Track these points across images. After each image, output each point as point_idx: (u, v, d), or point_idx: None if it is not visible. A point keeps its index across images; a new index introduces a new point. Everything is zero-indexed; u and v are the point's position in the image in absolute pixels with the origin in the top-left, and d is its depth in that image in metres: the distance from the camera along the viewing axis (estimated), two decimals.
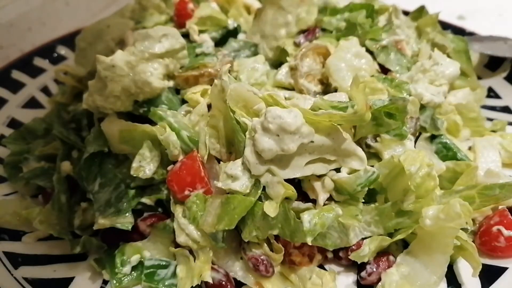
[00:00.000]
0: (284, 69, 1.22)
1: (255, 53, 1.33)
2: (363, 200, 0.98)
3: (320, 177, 0.97)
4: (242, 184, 0.94)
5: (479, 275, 0.93)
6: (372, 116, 0.93)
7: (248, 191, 0.94)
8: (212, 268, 0.98)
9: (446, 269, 0.96)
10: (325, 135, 0.94)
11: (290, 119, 0.89)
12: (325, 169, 0.96)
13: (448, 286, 0.98)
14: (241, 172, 0.94)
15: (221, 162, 1.02)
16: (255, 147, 0.92)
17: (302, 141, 0.91)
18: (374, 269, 0.99)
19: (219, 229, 0.94)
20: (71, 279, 1.06)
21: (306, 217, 0.92)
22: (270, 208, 0.91)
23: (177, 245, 1.02)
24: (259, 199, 0.94)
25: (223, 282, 0.98)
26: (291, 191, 0.93)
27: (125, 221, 1.04)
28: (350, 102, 0.92)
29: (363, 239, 1.00)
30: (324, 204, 0.97)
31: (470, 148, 1.27)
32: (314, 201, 0.98)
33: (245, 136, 0.95)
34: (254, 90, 0.98)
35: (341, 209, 0.94)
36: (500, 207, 1.08)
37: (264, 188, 0.94)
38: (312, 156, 0.95)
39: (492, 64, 1.58)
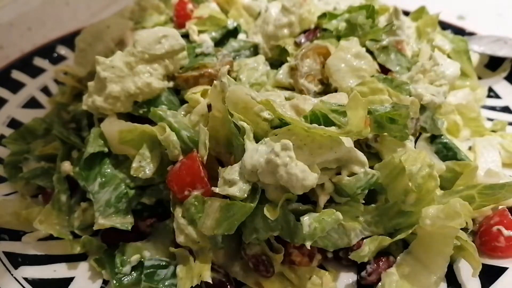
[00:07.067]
0: (284, 69, 1.22)
1: (255, 53, 1.33)
2: (363, 201, 0.98)
3: None
4: (240, 188, 0.92)
5: (479, 275, 0.93)
6: (373, 119, 0.92)
7: (245, 195, 0.92)
8: (212, 268, 0.97)
9: (446, 269, 0.96)
10: (327, 149, 0.92)
11: (296, 183, 0.87)
12: (326, 177, 0.95)
13: (448, 286, 0.98)
14: (238, 177, 0.93)
15: (220, 167, 1.02)
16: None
17: None
18: (374, 269, 0.99)
19: (218, 233, 0.94)
20: (71, 279, 1.06)
21: (306, 220, 0.91)
22: (270, 211, 0.90)
23: (177, 245, 1.02)
24: (259, 201, 0.93)
25: (223, 282, 0.98)
26: (291, 193, 0.93)
27: (125, 221, 1.04)
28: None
29: (363, 239, 1.00)
30: (325, 206, 0.97)
31: (470, 148, 1.27)
32: (314, 202, 0.98)
33: (243, 140, 0.94)
34: (252, 94, 0.96)
35: (341, 213, 0.93)
36: (500, 207, 1.08)
37: (263, 191, 0.94)
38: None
39: (492, 64, 1.58)
